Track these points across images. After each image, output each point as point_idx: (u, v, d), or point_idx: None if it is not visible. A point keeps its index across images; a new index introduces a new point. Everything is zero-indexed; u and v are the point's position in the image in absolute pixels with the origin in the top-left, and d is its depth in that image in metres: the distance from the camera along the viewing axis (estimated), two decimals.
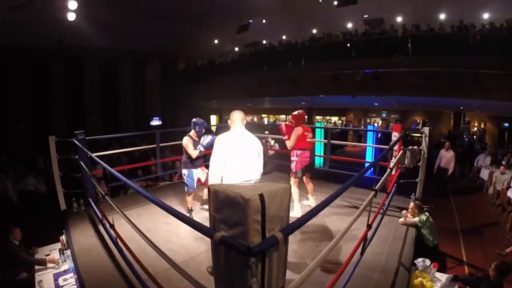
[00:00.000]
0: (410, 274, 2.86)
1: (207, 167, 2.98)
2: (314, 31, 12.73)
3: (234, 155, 2.51)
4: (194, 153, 3.62)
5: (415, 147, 4.14)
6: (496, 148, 10.28)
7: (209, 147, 3.31)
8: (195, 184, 3.70)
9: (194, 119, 3.83)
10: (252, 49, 13.88)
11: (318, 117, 16.91)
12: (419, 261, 3.14)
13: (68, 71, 12.80)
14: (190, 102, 14.47)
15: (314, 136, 4.37)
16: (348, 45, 10.19)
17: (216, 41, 15.58)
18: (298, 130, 3.93)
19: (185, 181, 3.74)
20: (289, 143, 3.95)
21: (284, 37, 13.36)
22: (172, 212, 1.59)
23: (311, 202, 4.18)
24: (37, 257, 3.47)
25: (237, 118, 2.66)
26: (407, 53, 8.83)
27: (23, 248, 3.48)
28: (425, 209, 3.72)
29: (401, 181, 4.23)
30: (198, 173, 3.76)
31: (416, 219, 3.57)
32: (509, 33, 7.66)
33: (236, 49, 15.61)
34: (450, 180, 7.70)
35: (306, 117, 4.16)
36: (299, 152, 3.94)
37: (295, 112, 4.11)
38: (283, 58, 11.62)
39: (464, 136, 12.81)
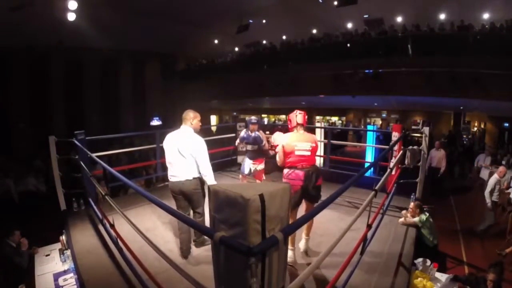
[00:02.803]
0: (410, 274, 2.86)
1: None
2: (314, 31, 12.74)
3: (166, 151, 2.83)
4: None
5: (415, 147, 4.14)
6: (496, 148, 10.28)
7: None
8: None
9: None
10: (252, 49, 13.88)
11: (318, 117, 16.91)
12: (419, 261, 3.15)
13: (68, 71, 12.80)
14: (190, 102, 14.45)
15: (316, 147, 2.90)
16: (348, 45, 10.19)
17: (216, 41, 15.59)
18: (283, 138, 2.91)
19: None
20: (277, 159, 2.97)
21: (284, 37, 13.36)
22: (172, 212, 1.59)
23: (302, 244, 2.93)
24: (37, 257, 3.48)
25: (183, 118, 2.85)
26: (407, 53, 8.82)
27: (20, 251, 3.47)
28: (425, 209, 3.73)
29: (401, 181, 4.23)
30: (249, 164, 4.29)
31: (416, 219, 3.57)
32: (509, 33, 7.66)
33: (236, 49, 15.61)
34: (445, 179, 7.64)
35: (299, 118, 2.92)
36: (285, 171, 2.85)
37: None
38: (283, 58, 11.62)
39: (464, 136, 12.80)
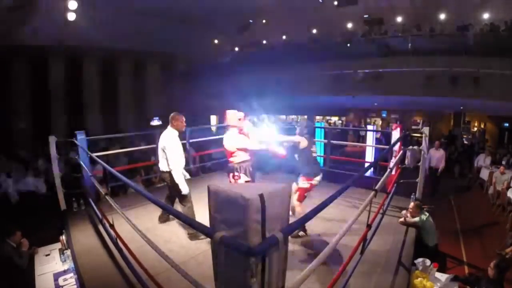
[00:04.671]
0: (410, 274, 2.86)
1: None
2: (314, 31, 12.73)
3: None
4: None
5: (415, 147, 4.14)
6: (496, 148, 10.28)
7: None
8: None
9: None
10: (252, 49, 13.88)
11: (318, 117, 16.91)
12: (419, 261, 3.14)
13: (68, 71, 12.79)
14: (190, 102, 14.47)
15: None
16: (348, 45, 10.19)
17: (216, 41, 15.59)
18: None
19: None
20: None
21: (284, 37, 13.36)
22: (172, 212, 1.59)
23: None
24: (37, 257, 3.48)
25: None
26: (407, 53, 8.82)
27: (20, 251, 3.47)
28: (425, 209, 3.73)
29: (401, 181, 4.23)
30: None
31: (416, 219, 3.57)
32: (509, 33, 7.66)
33: (236, 49, 15.61)
34: (442, 179, 7.54)
35: (228, 119, 3.22)
36: None
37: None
38: (283, 58, 11.62)
39: (465, 136, 12.80)
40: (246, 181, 3.10)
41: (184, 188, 3.12)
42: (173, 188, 3.26)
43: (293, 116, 19.37)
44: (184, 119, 3.34)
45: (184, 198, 3.22)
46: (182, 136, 5.34)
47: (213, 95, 13.68)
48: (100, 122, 13.50)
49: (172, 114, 3.32)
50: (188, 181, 3.26)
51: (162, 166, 3.26)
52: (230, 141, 3.14)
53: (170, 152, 3.12)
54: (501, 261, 3.02)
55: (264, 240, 1.28)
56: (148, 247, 1.99)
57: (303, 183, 3.27)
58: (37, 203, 6.49)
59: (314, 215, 1.46)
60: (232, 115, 3.18)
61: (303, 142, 3.26)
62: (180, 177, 3.13)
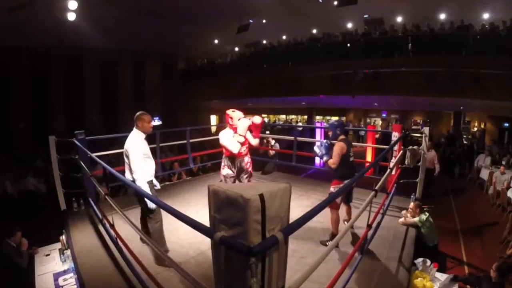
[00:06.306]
0: (410, 274, 2.86)
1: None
2: (314, 31, 12.73)
3: None
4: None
5: (415, 147, 4.14)
6: (495, 148, 10.28)
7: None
8: None
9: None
10: (252, 49, 13.89)
11: (318, 117, 16.93)
12: (419, 261, 3.14)
13: (68, 71, 12.79)
14: (190, 102, 14.46)
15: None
16: (348, 45, 10.19)
17: (216, 41, 15.59)
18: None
19: None
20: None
21: (284, 37, 13.37)
22: (172, 212, 1.59)
23: None
24: (37, 257, 3.48)
25: None
26: (407, 53, 8.82)
27: (20, 251, 3.47)
28: (425, 209, 3.73)
29: (401, 181, 4.23)
30: None
31: (416, 219, 3.57)
32: (509, 33, 7.65)
33: (236, 49, 15.61)
34: (442, 180, 7.41)
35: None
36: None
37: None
38: (283, 58, 11.63)
39: (464, 136, 12.80)
40: (228, 174, 3.56)
41: (151, 202, 2.62)
42: (139, 201, 2.80)
43: (293, 116, 19.40)
44: (151, 119, 2.91)
45: (151, 214, 2.73)
46: (182, 136, 5.37)
47: (212, 95, 13.67)
48: (100, 122, 13.51)
49: (137, 114, 2.84)
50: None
51: (127, 175, 2.77)
52: (225, 139, 3.47)
53: (132, 157, 2.67)
54: (503, 264, 3.02)
55: (264, 240, 1.27)
56: (148, 247, 1.99)
57: (333, 187, 3.17)
58: (37, 203, 6.50)
59: (314, 215, 1.46)
60: (237, 115, 3.50)
61: (343, 148, 3.03)
62: (145, 188, 2.66)
